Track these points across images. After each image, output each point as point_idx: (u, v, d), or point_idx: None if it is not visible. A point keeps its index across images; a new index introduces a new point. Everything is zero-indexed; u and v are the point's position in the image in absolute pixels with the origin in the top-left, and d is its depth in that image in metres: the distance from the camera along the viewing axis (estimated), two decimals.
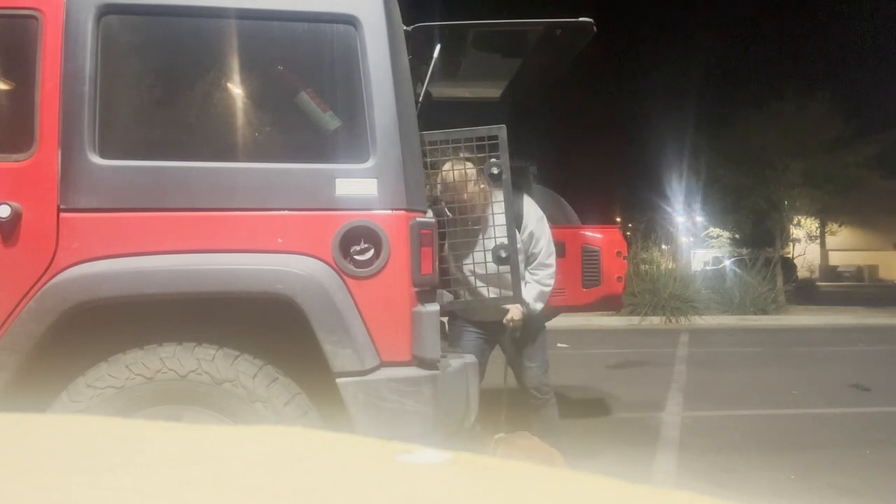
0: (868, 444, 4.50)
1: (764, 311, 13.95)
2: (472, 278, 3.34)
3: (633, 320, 12.85)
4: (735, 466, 4.02)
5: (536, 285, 3.47)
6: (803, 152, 15.71)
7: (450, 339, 3.54)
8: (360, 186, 2.45)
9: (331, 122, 2.54)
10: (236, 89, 2.58)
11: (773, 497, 3.50)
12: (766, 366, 8.03)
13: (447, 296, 2.99)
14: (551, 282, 3.51)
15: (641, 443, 4.52)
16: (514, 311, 3.38)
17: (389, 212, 2.46)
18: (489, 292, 3.23)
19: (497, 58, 3.68)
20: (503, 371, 3.64)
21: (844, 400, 5.99)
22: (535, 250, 3.47)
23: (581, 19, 3.03)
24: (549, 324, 3.83)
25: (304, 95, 2.53)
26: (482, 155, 2.96)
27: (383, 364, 2.42)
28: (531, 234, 3.45)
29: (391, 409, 2.37)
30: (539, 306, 3.47)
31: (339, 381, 2.37)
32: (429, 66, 3.22)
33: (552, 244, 3.54)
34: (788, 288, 16.06)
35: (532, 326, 3.53)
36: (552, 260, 3.52)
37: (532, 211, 3.49)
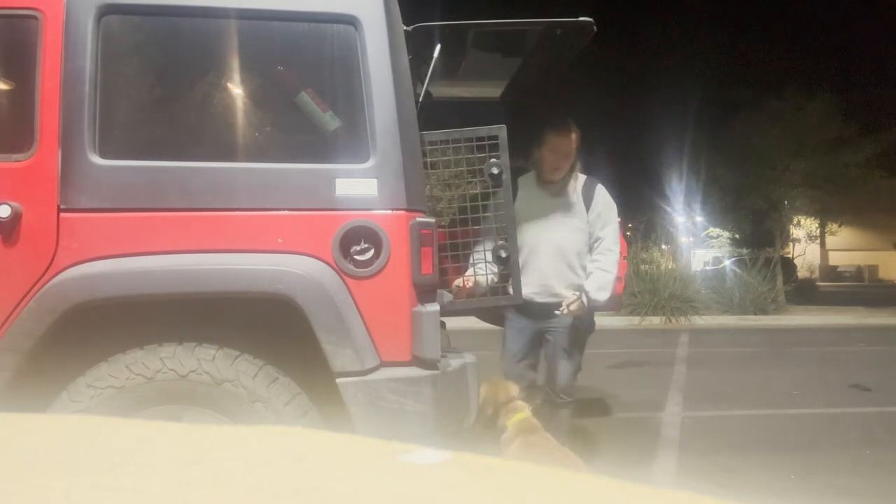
0: (868, 444, 4.50)
1: (764, 311, 13.95)
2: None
3: (633, 320, 12.84)
4: (735, 466, 4.01)
5: (600, 272, 3.40)
6: (803, 152, 15.71)
7: (505, 335, 3.53)
8: (360, 186, 2.45)
9: (331, 122, 2.54)
10: (236, 89, 2.59)
11: (773, 497, 3.50)
12: (766, 366, 8.03)
13: (447, 296, 2.99)
14: (615, 269, 3.45)
15: (641, 443, 4.52)
16: (572, 300, 3.28)
17: (389, 212, 2.46)
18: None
19: (497, 57, 3.68)
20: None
21: (844, 400, 5.99)
22: (602, 234, 3.45)
23: (581, 19, 3.03)
24: None
25: (305, 95, 2.53)
26: (482, 155, 2.96)
27: (383, 364, 2.42)
28: (599, 216, 3.45)
29: (391, 409, 2.37)
30: (603, 296, 3.37)
31: (339, 381, 2.37)
32: (429, 66, 3.22)
33: (618, 234, 3.53)
34: (788, 288, 16.06)
35: (583, 324, 3.47)
36: (618, 248, 3.49)
37: (602, 197, 3.50)
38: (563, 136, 3.44)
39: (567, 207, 3.48)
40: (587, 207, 3.46)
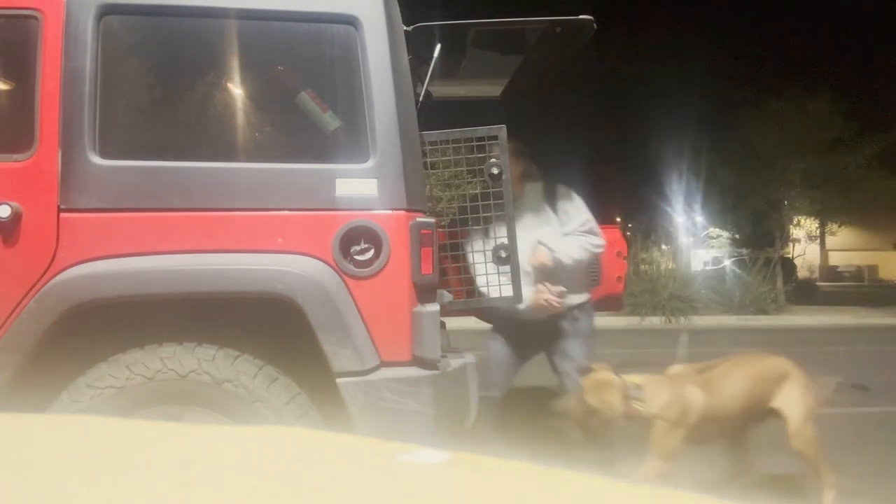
0: (868, 444, 4.49)
1: (764, 311, 13.96)
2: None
3: (633, 320, 12.83)
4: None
5: (579, 239, 3.40)
6: (803, 152, 15.71)
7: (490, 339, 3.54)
8: (360, 186, 2.45)
9: (331, 122, 2.55)
10: (236, 89, 2.59)
11: (773, 497, 3.50)
12: None
13: (447, 296, 2.99)
14: (595, 249, 3.47)
15: (641, 443, 4.51)
16: (540, 253, 3.27)
17: (389, 212, 2.46)
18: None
19: (497, 57, 3.68)
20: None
21: (844, 400, 5.98)
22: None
23: (581, 17, 3.03)
24: None
25: (305, 95, 2.53)
26: (482, 155, 2.96)
27: (383, 364, 2.42)
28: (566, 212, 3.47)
29: (391, 409, 2.37)
30: (573, 257, 3.35)
31: (339, 381, 2.37)
32: (429, 66, 3.22)
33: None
34: (788, 288, 16.07)
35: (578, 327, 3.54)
36: (599, 241, 3.50)
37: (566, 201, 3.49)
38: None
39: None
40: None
